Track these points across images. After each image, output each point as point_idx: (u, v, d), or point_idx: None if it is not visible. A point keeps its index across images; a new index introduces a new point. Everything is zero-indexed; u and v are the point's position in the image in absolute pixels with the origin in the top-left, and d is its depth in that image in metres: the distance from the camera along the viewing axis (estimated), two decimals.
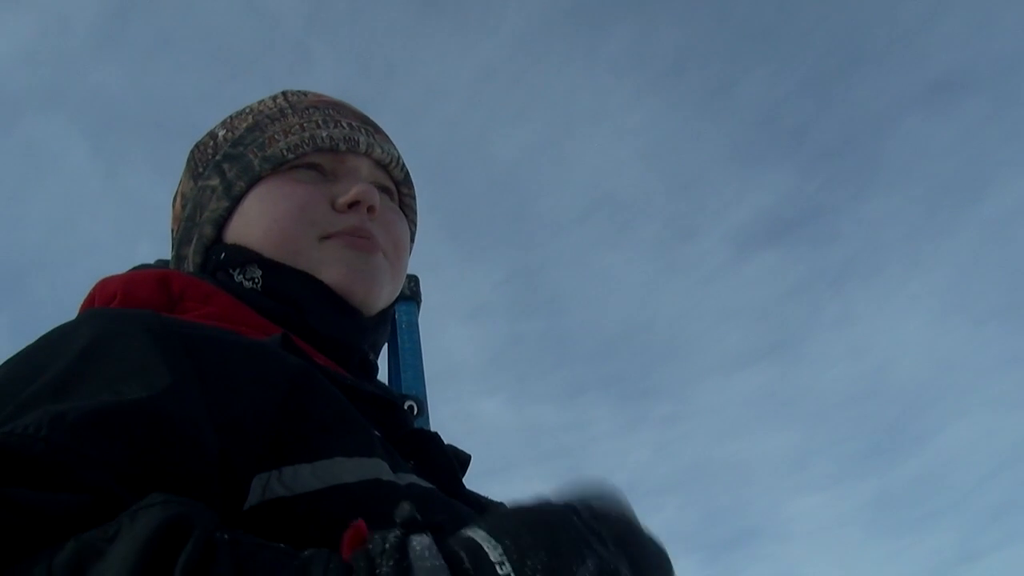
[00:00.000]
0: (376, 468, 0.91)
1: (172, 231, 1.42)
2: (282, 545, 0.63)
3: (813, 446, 13.26)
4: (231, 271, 1.26)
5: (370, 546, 0.61)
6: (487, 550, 0.62)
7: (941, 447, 12.85)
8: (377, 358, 1.43)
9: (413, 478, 0.97)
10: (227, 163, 1.34)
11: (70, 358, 0.82)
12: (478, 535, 0.64)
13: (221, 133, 1.41)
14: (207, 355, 0.88)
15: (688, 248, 12.46)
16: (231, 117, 1.44)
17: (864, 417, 13.10)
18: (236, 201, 1.31)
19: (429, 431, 1.20)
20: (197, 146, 1.43)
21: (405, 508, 0.65)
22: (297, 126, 1.35)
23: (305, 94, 1.45)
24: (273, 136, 1.34)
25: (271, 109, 1.41)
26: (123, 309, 1.07)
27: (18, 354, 0.88)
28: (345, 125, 1.38)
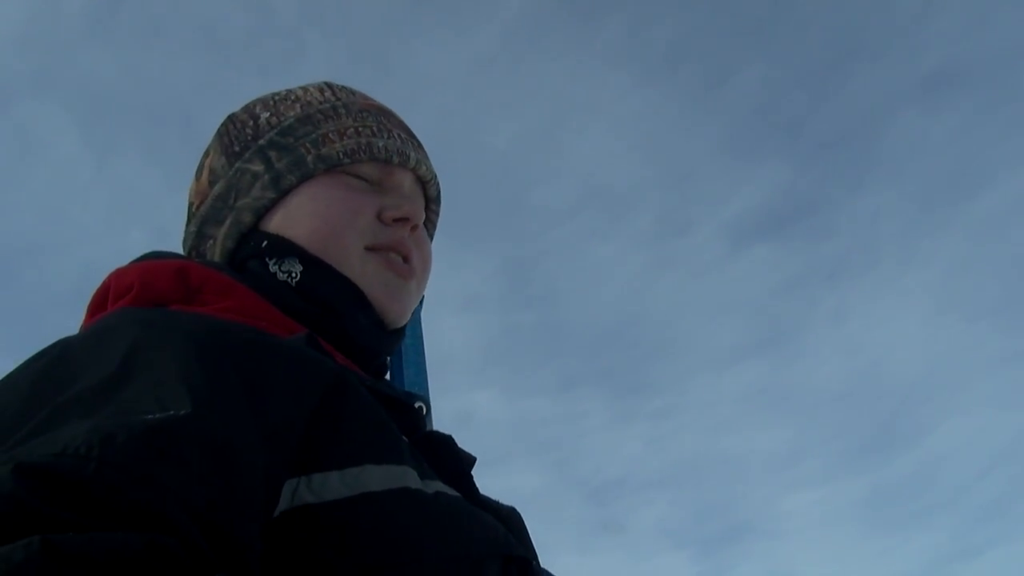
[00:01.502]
0: (404, 476, 0.91)
1: (192, 204, 1.39)
2: None
3: (807, 442, 13.27)
4: (267, 259, 1.25)
5: None
6: None
7: (935, 444, 12.86)
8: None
9: (440, 486, 0.97)
10: (274, 151, 1.32)
11: (110, 365, 0.80)
12: None
13: (264, 116, 1.38)
14: (248, 363, 0.87)
15: (682, 241, 12.44)
16: (275, 100, 1.41)
17: (858, 413, 13.11)
18: (283, 194, 1.30)
19: (443, 434, 1.19)
20: (232, 121, 1.41)
21: None
22: (352, 130, 1.34)
23: (353, 92, 1.44)
24: (327, 135, 1.33)
25: (321, 103, 1.39)
26: (160, 311, 1.05)
27: (49, 353, 0.87)
28: (396, 137, 1.38)
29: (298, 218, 1.28)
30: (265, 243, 1.27)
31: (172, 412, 0.73)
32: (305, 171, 1.29)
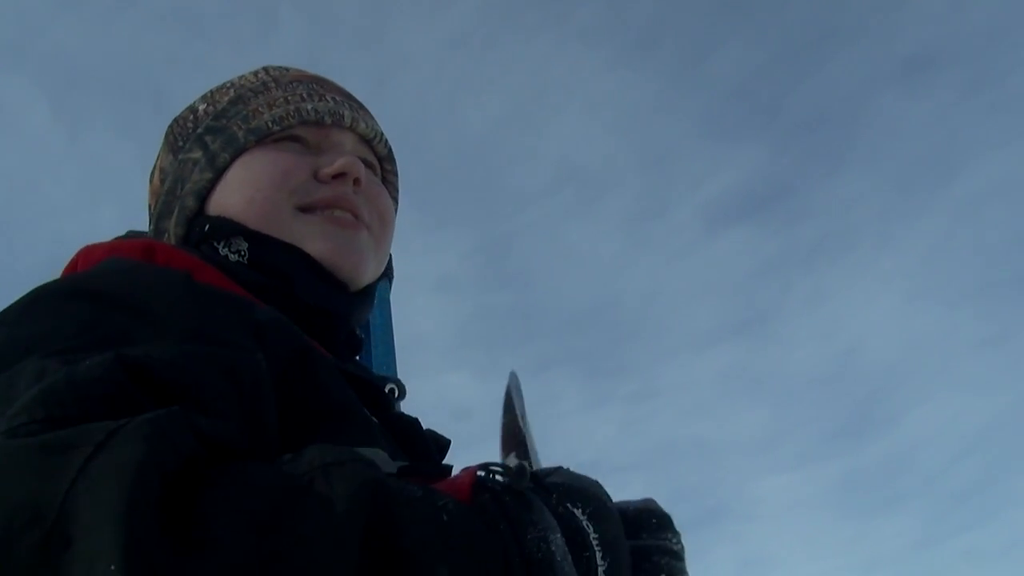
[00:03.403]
0: (377, 458, 0.91)
1: (150, 206, 1.41)
2: (422, 493, 0.69)
3: (782, 426, 13.32)
4: (215, 244, 1.26)
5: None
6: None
7: (909, 429, 12.94)
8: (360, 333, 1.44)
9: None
10: (209, 135, 1.34)
11: (130, 311, 0.88)
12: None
13: (202, 107, 1.41)
14: (239, 308, 0.97)
15: (658, 223, 12.41)
16: (212, 91, 1.44)
17: (833, 397, 13.18)
18: (220, 173, 1.31)
19: (410, 416, 1.22)
20: (176, 121, 1.43)
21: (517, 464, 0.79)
22: (282, 99, 1.36)
23: (287, 69, 1.46)
24: (257, 108, 1.34)
25: (253, 83, 1.41)
26: (154, 266, 1.10)
27: (88, 286, 0.94)
28: (330, 99, 1.38)
29: (235, 191, 1.28)
30: (207, 226, 1.27)
31: (217, 347, 0.83)
32: (237, 146, 1.31)
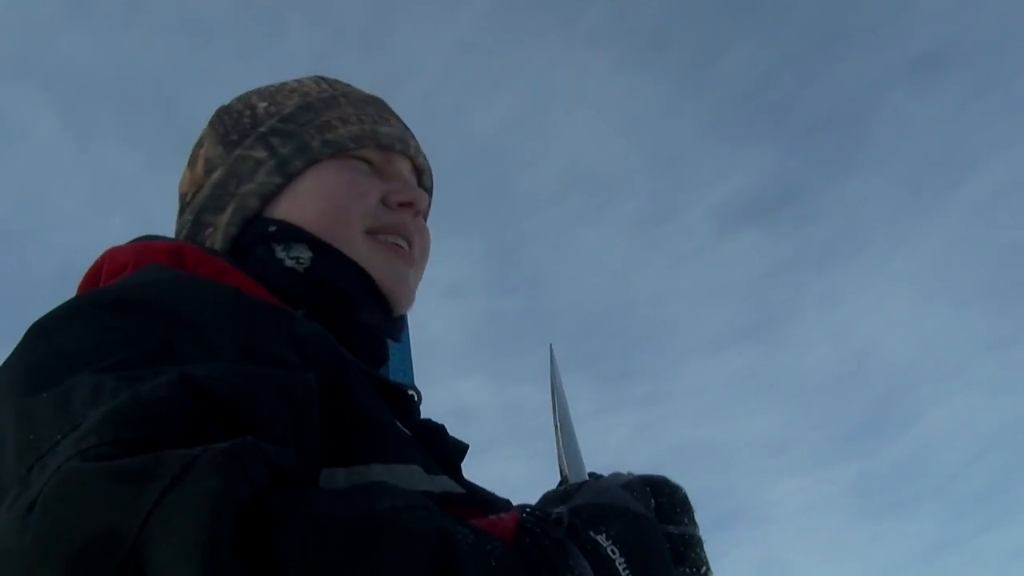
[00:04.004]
0: (410, 476, 0.94)
1: (186, 194, 1.38)
2: (474, 538, 0.70)
3: (796, 428, 13.25)
4: (274, 245, 1.25)
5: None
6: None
7: (924, 430, 12.86)
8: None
9: (446, 482, 1.00)
10: (276, 138, 1.33)
11: (174, 324, 0.87)
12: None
13: (261, 105, 1.39)
14: (276, 321, 0.96)
15: (669, 226, 12.36)
16: (270, 91, 1.42)
17: (847, 399, 13.09)
18: (289, 179, 1.30)
19: (435, 423, 1.22)
20: (227, 112, 1.41)
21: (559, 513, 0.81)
22: (354, 117, 1.36)
23: (348, 85, 1.46)
24: (330, 121, 1.34)
25: (320, 93, 1.40)
26: (195, 277, 1.08)
27: (130, 299, 0.92)
28: (395, 125, 1.41)
29: (306, 201, 1.28)
30: (273, 228, 1.26)
31: (269, 367, 0.82)
32: (311, 155, 1.30)
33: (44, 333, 0.88)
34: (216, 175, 1.33)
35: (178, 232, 1.36)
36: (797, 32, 11.25)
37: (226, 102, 1.43)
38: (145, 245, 1.18)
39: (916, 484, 13.12)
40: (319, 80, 1.44)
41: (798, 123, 11.72)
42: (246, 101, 1.41)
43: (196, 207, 1.34)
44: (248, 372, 0.77)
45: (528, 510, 0.82)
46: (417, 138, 1.47)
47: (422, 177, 1.45)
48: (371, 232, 1.29)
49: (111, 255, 1.16)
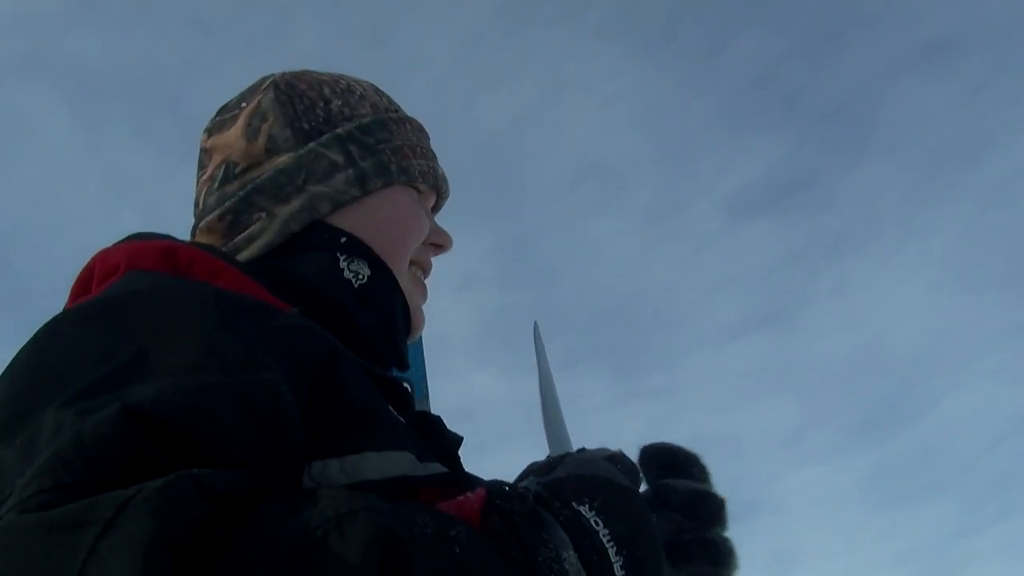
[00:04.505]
0: (404, 463, 0.94)
1: (234, 163, 1.31)
2: (435, 527, 0.69)
3: (810, 418, 13.21)
4: (339, 254, 1.27)
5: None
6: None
7: (940, 418, 12.81)
8: None
9: (437, 467, 0.99)
10: (355, 147, 1.32)
11: (148, 334, 0.85)
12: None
13: (336, 103, 1.36)
14: (260, 323, 0.93)
15: (680, 216, 12.34)
16: (341, 88, 1.39)
17: (862, 388, 13.05)
18: (366, 194, 1.31)
19: (432, 414, 1.24)
20: (296, 93, 1.35)
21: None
22: (420, 149, 1.40)
23: (401, 108, 1.47)
24: (403, 148, 1.37)
25: (388, 110, 1.42)
26: (176, 280, 1.06)
27: (78, 317, 0.93)
28: (439, 162, 1.46)
29: (374, 220, 1.30)
30: (344, 239, 1.27)
31: (238, 377, 0.80)
32: (389, 179, 1.32)
33: (24, 359, 0.88)
34: (282, 160, 1.28)
35: (218, 202, 1.29)
36: (807, 19, 11.20)
37: (284, 74, 1.39)
38: (136, 245, 1.14)
39: (933, 473, 13.07)
40: (379, 92, 1.45)
41: (809, 111, 11.67)
42: (317, 89, 1.36)
43: (250, 184, 1.28)
44: (201, 387, 0.76)
45: (494, 486, 0.81)
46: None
47: (440, 203, 1.50)
48: (411, 263, 1.36)
49: (103, 257, 1.14)
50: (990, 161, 11.55)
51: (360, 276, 1.26)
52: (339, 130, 1.32)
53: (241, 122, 1.32)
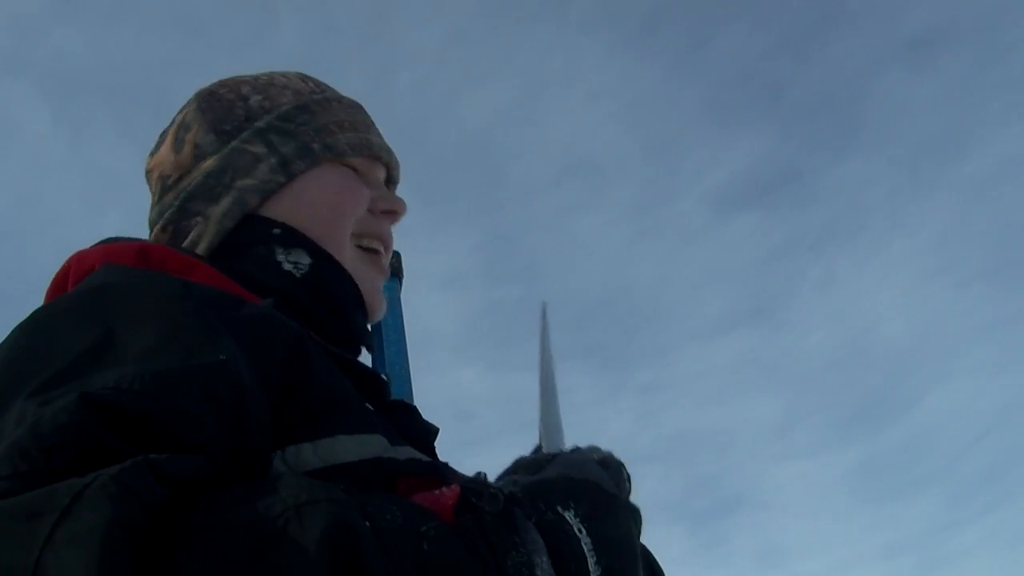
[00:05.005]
0: (377, 445, 0.94)
1: (167, 176, 1.36)
2: (404, 521, 0.68)
3: (797, 412, 13.25)
4: (276, 247, 1.26)
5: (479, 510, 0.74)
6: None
7: (926, 412, 12.86)
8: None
9: (411, 451, 1.00)
10: (276, 136, 1.33)
11: (114, 322, 0.86)
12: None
13: (255, 98, 1.38)
14: (226, 314, 0.94)
15: (665, 211, 12.34)
16: (261, 84, 1.41)
17: (848, 382, 13.09)
18: (291, 179, 1.31)
19: (407, 403, 1.26)
20: (215, 97, 1.39)
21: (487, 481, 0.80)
22: (348, 123, 1.39)
23: (340, 93, 1.47)
24: (328, 125, 1.37)
25: (312, 93, 1.42)
26: (147, 272, 1.08)
27: (51, 311, 0.93)
28: (378, 134, 1.44)
29: (303, 203, 1.30)
30: (277, 231, 1.27)
31: (197, 360, 0.80)
32: (313, 158, 1.32)
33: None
34: (208, 164, 1.31)
35: (159, 215, 1.34)
36: (791, 12, 11.21)
37: (207, 86, 1.42)
38: (111, 247, 1.17)
39: (919, 466, 13.13)
40: (305, 79, 1.45)
41: (794, 104, 11.69)
42: (235, 90, 1.39)
43: (183, 193, 1.31)
44: (161, 374, 0.76)
45: (469, 483, 0.79)
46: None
47: (391, 172, 1.48)
48: (355, 236, 1.33)
49: (78, 259, 1.16)
50: (975, 154, 11.60)
51: (300, 266, 1.25)
52: (259, 123, 1.35)
53: (169, 138, 1.38)
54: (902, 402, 13.03)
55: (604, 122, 11.75)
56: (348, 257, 1.31)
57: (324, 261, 1.27)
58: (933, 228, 12.36)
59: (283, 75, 1.43)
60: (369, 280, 1.34)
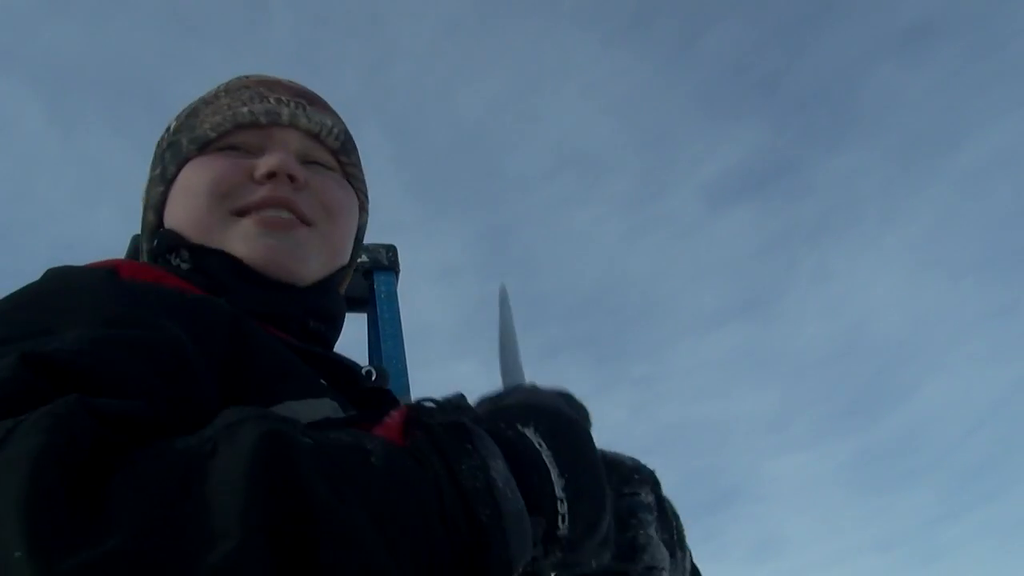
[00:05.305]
0: (326, 408, 0.96)
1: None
2: (351, 439, 0.67)
3: (791, 405, 13.29)
4: (168, 256, 1.28)
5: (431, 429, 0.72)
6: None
7: (921, 404, 12.90)
8: (331, 328, 1.37)
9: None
10: (169, 151, 1.36)
11: (54, 306, 0.88)
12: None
13: (172, 124, 1.41)
14: (167, 300, 0.95)
15: (660, 204, 12.37)
16: (185, 111, 1.42)
17: (842, 375, 13.13)
18: (168, 185, 1.33)
19: (385, 391, 1.23)
20: (157, 143, 1.43)
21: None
22: (225, 106, 1.37)
23: (247, 76, 1.45)
24: (202, 120, 1.36)
25: (210, 94, 1.42)
26: (96, 268, 1.08)
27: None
28: (272, 100, 1.37)
29: (177, 202, 1.31)
30: (156, 241, 1.31)
31: (133, 329, 0.82)
32: (180, 157, 1.32)
33: None
34: (143, 203, 1.39)
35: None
36: (784, 5, 11.22)
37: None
38: (87, 265, 1.19)
39: (914, 457, 13.17)
40: (232, 79, 1.43)
41: (788, 97, 11.71)
42: (167, 124, 1.42)
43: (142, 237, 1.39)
44: (101, 337, 0.77)
45: (420, 400, 0.79)
46: (324, 102, 1.45)
47: (323, 139, 1.39)
48: (241, 212, 1.26)
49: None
50: (968, 146, 11.62)
51: (184, 264, 1.24)
52: (163, 146, 1.38)
53: None
54: (896, 395, 13.09)
55: (598, 115, 11.77)
56: (234, 236, 1.24)
57: (197, 250, 1.25)
58: (926, 220, 12.40)
59: (217, 89, 1.42)
60: (260, 246, 1.23)
